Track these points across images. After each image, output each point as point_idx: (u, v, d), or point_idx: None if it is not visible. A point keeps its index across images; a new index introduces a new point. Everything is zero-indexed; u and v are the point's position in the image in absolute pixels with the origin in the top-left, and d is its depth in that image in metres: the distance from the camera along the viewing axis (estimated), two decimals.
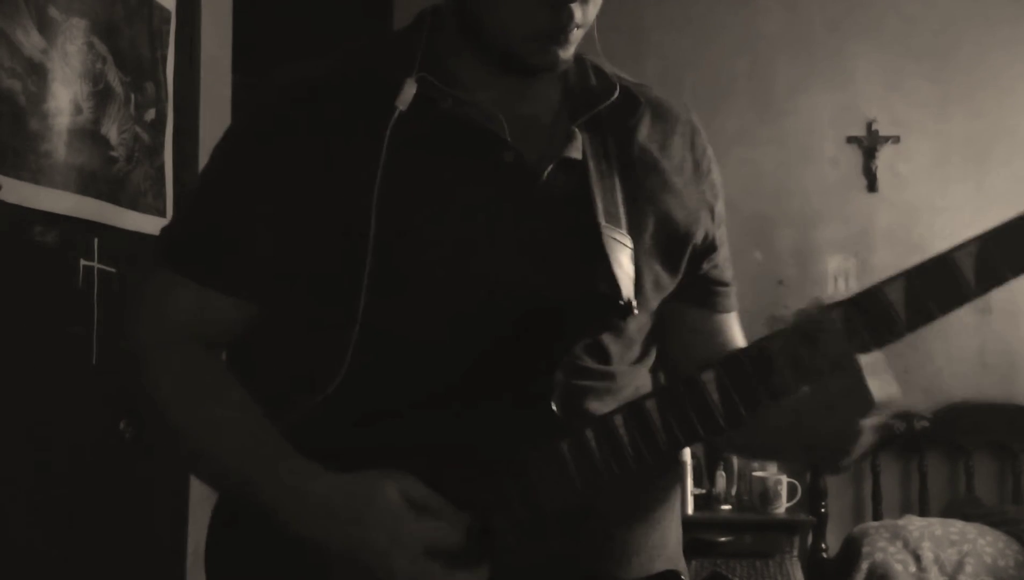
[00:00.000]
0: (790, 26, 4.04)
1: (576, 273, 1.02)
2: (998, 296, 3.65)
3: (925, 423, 3.79)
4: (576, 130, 1.05)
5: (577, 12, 0.98)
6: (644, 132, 1.11)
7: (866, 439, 0.95)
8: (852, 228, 3.94)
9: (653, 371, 1.15)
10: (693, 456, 3.61)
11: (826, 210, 3.97)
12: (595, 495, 0.96)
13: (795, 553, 3.49)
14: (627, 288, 1.01)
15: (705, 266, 1.14)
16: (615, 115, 1.09)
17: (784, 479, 3.58)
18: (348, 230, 0.99)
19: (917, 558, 3.20)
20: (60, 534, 1.95)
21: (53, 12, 1.91)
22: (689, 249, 1.11)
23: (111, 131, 2.10)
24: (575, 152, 1.04)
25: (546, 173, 1.02)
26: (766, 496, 3.55)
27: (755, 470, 3.65)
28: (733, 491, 3.67)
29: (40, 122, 1.88)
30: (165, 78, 2.33)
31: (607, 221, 1.03)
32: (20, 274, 1.86)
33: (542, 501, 0.95)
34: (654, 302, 1.09)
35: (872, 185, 3.97)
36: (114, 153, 2.11)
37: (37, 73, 1.87)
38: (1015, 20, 3.94)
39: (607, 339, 1.05)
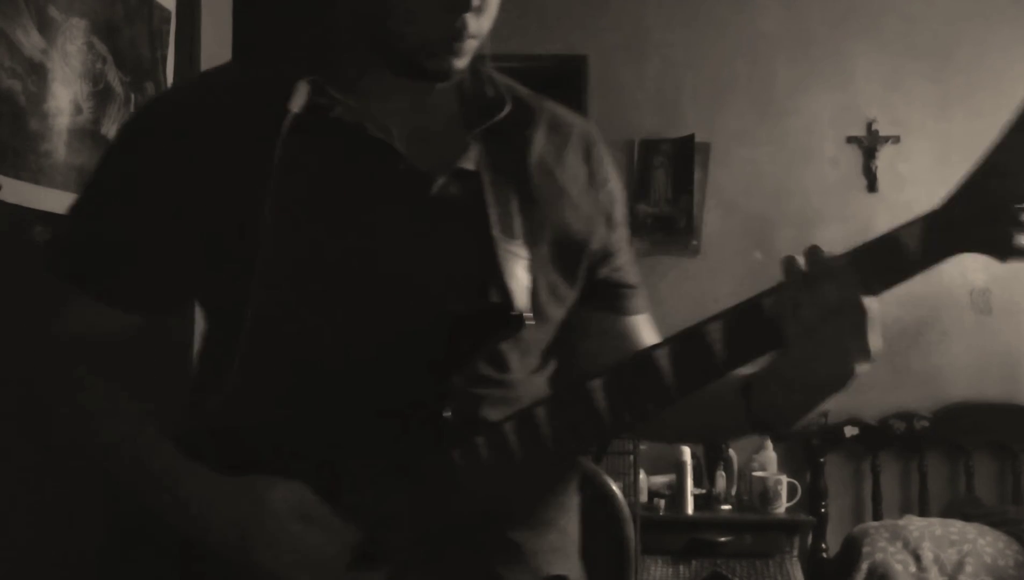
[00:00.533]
0: (790, 26, 4.04)
1: (468, 285, 1.03)
2: (998, 297, 3.67)
3: (925, 423, 3.79)
4: (470, 141, 1.06)
5: (471, 22, 0.99)
6: (539, 143, 1.12)
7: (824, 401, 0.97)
8: (852, 228, 3.93)
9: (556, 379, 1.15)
10: (693, 456, 3.61)
11: (826, 210, 3.97)
12: (488, 501, 0.98)
13: (795, 553, 3.49)
14: (521, 299, 1.02)
15: (603, 271, 1.15)
16: (511, 126, 1.09)
17: (784, 479, 3.58)
18: (241, 233, 0.99)
19: (917, 558, 3.20)
20: (60, 534, 1.95)
21: (53, 12, 1.91)
22: (585, 258, 1.12)
23: (111, 131, 2.10)
24: (469, 163, 1.05)
25: (438, 184, 1.03)
26: (766, 496, 3.54)
27: (755, 470, 3.65)
28: (733, 491, 3.67)
29: (40, 122, 1.88)
30: (165, 78, 2.33)
31: (501, 232, 1.04)
32: (20, 274, 1.86)
33: (435, 509, 0.97)
34: (555, 312, 1.10)
35: (872, 185, 3.97)
36: None
37: (37, 73, 1.87)
38: (1015, 20, 3.94)
39: (506, 348, 1.05)
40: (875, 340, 0.92)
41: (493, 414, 1.02)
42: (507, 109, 1.09)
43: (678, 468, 3.56)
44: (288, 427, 1.00)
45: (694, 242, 3.95)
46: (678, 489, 3.57)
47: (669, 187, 4.01)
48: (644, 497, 3.56)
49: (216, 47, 2.58)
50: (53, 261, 1.10)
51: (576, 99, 4.13)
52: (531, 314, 1.01)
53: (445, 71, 1.03)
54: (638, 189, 3.98)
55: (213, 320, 1.09)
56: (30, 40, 1.84)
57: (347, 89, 1.04)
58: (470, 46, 1.02)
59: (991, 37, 3.94)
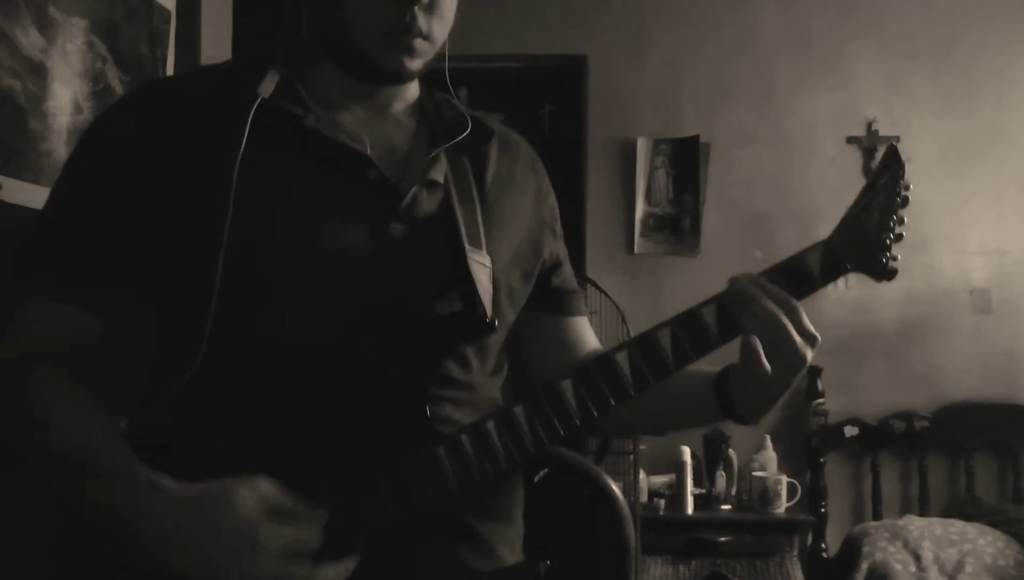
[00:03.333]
0: (790, 26, 4.04)
1: (440, 292, 1.07)
2: (998, 297, 3.67)
3: (925, 423, 3.79)
4: (440, 154, 1.12)
5: (420, 18, 1.03)
6: (495, 158, 1.19)
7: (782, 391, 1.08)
8: None
9: (507, 382, 1.22)
10: (693, 456, 3.61)
11: (826, 209, 3.96)
12: (466, 495, 1.01)
13: (795, 553, 3.49)
14: (489, 306, 1.08)
15: (555, 280, 1.26)
16: (470, 143, 1.16)
17: (784, 479, 3.58)
18: (205, 224, 1.00)
19: (917, 558, 3.20)
20: (60, 534, 1.95)
21: (53, 12, 1.91)
22: (539, 264, 1.22)
23: None
24: (438, 175, 1.11)
25: (411, 194, 1.08)
26: (766, 496, 3.54)
27: (755, 470, 3.65)
28: (733, 491, 3.67)
29: (40, 122, 1.88)
30: None
31: (469, 242, 1.09)
32: None
33: (416, 501, 1.00)
34: (510, 316, 1.18)
35: None
36: None
37: (37, 73, 1.87)
38: (1014, 19, 3.95)
39: (468, 351, 1.11)
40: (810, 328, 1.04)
41: (456, 414, 1.07)
42: (468, 130, 1.15)
43: (678, 468, 3.56)
44: (261, 421, 1.01)
45: (698, 242, 3.94)
46: (678, 489, 3.57)
47: (670, 187, 4.01)
48: (644, 497, 3.56)
49: (216, 47, 2.58)
50: (21, 261, 1.07)
51: (576, 99, 4.13)
52: (496, 318, 1.08)
53: (398, 70, 1.07)
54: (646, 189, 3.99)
55: (170, 312, 1.08)
56: (30, 40, 1.84)
57: (313, 95, 1.08)
58: (421, 46, 1.06)
59: (990, 36, 3.94)
